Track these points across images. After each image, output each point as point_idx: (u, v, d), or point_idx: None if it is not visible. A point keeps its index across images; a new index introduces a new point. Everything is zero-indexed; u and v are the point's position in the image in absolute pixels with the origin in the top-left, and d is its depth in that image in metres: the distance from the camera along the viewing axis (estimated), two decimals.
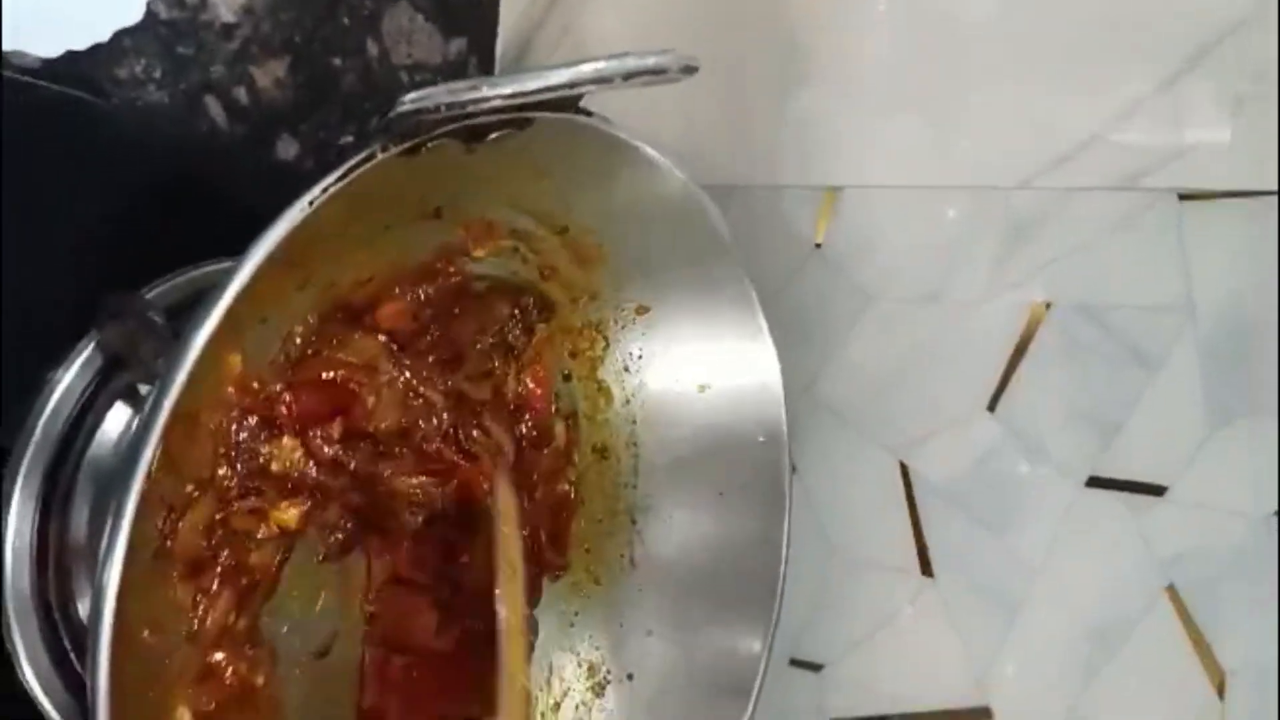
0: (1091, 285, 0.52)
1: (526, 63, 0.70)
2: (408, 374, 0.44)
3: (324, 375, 0.42)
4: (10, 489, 0.43)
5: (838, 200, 0.59)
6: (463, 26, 0.68)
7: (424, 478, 0.45)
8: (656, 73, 0.32)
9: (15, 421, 0.44)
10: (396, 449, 0.46)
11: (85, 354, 0.44)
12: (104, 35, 0.46)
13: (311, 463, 0.43)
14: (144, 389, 0.45)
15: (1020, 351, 0.53)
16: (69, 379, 0.44)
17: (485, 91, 0.31)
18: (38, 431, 0.44)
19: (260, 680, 0.41)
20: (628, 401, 0.54)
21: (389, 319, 0.43)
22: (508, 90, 0.31)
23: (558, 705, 0.53)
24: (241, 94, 0.58)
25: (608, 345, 0.52)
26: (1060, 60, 0.52)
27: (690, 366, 0.52)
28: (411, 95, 0.32)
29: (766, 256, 0.61)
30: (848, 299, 0.58)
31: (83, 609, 0.44)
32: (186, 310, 0.44)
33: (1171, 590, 0.49)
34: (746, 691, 0.50)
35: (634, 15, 0.66)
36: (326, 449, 0.43)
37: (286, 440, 0.42)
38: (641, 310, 0.52)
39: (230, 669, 0.40)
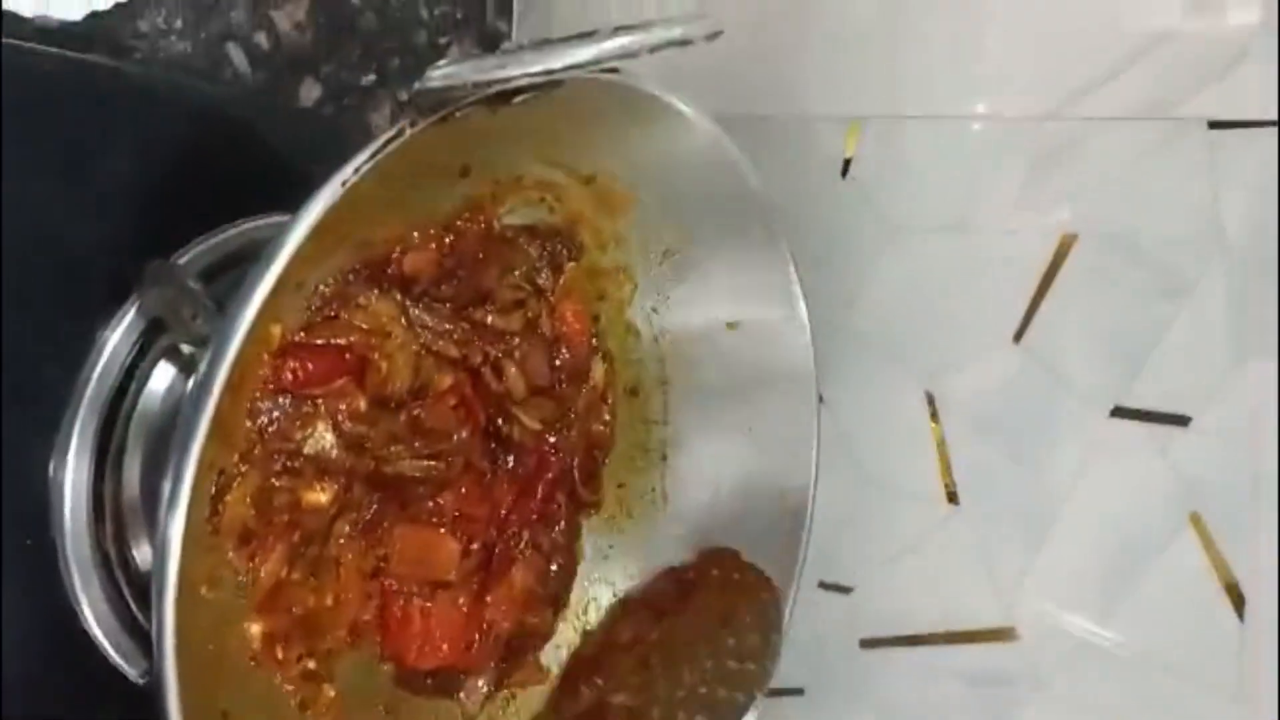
0: (1120, 214, 0.52)
1: None
2: (425, 332, 0.45)
3: (335, 340, 0.43)
4: (65, 446, 0.45)
5: (864, 130, 0.58)
6: None
7: (429, 461, 0.46)
8: (683, 43, 0.32)
9: (65, 382, 0.45)
10: (411, 427, 0.46)
11: (130, 315, 0.45)
12: None
13: (340, 445, 0.43)
14: (186, 349, 0.46)
15: (1047, 281, 0.54)
16: (116, 338, 0.45)
17: (511, 70, 0.31)
18: (89, 389, 0.45)
19: (329, 600, 0.43)
20: (656, 340, 0.54)
21: (414, 265, 0.43)
22: (534, 69, 0.31)
23: (592, 632, 0.55)
24: (262, 39, 0.58)
25: (636, 287, 0.53)
26: None
27: (718, 306, 0.53)
28: (438, 72, 0.33)
29: (794, 185, 0.61)
30: (875, 228, 0.58)
31: (139, 558, 0.46)
32: (224, 273, 0.46)
33: (1195, 517, 0.50)
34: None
35: None
36: (350, 425, 0.44)
37: (319, 425, 0.43)
38: (669, 253, 0.52)
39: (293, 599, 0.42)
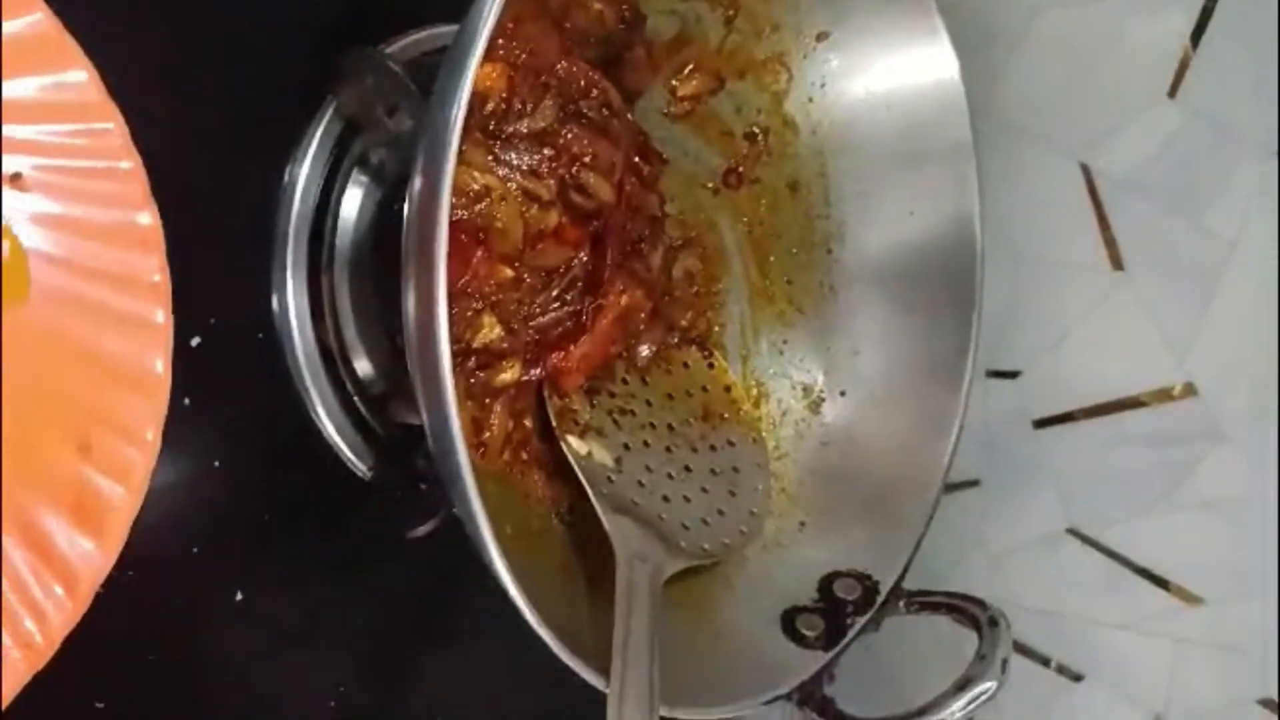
0: None
1: None
2: (515, 174, 0.44)
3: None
4: (282, 263, 0.47)
5: None
6: None
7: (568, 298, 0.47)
8: None
9: (271, 200, 0.47)
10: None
11: (319, 134, 0.47)
12: None
13: (503, 326, 0.45)
14: (375, 156, 0.48)
15: (1199, 30, 0.54)
16: (312, 152, 0.47)
17: None
18: (294, 210, 0.48)
19: None
20: (814, 132, 0.55)
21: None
22: None
23: (775, 424, 0.57)
24: None
25: (791, 77, 0.54)
26: None
27: (872, 87, 0.54)
28: None
29: None
30: (1015, 7, 0.58)
31: (357, 362, 0.49)
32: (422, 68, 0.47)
33: None
34: (957, 388, 0.53)
35: None
36: (504, 299, 0.45)
37: (485, 318, 0.44)
38: (822, 36, 0.53)
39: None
